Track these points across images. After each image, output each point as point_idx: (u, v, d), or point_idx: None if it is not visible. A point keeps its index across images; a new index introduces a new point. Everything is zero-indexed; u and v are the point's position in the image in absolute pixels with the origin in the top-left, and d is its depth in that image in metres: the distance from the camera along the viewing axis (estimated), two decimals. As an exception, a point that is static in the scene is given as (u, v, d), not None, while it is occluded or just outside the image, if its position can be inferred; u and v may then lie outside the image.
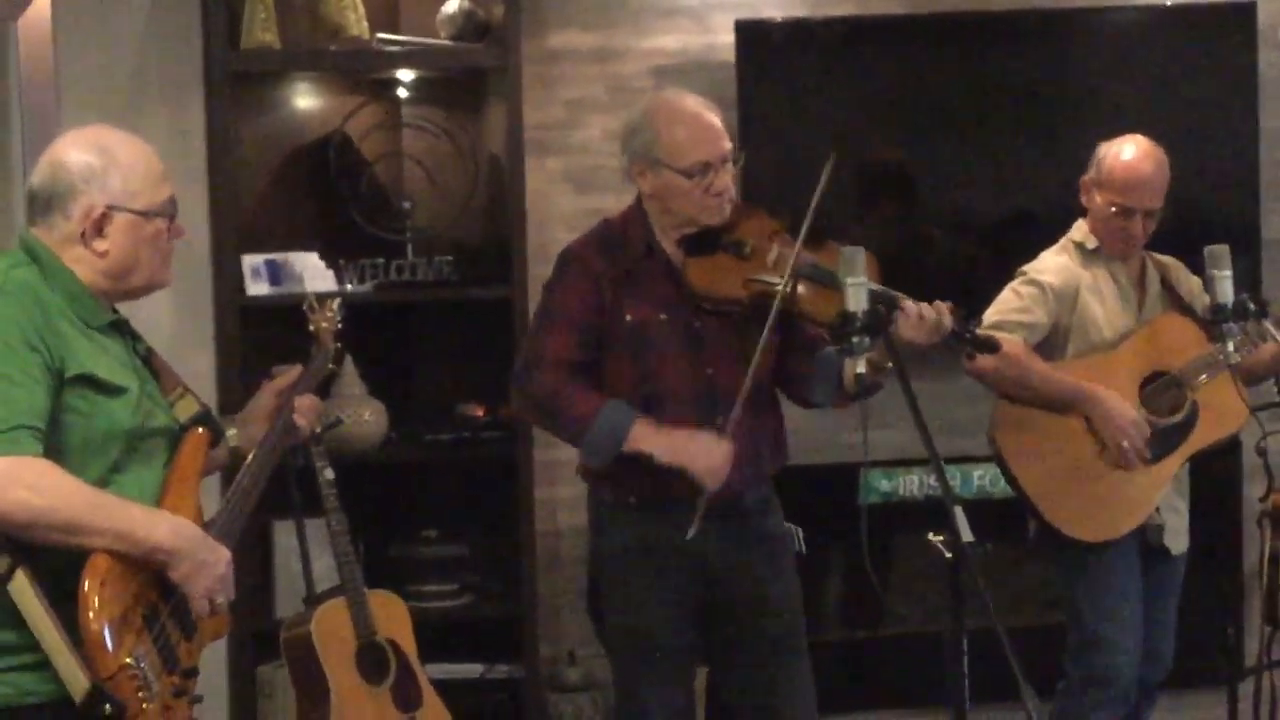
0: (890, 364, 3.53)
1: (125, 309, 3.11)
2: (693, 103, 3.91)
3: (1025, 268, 4.55)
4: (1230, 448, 5.17)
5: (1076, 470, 4.43)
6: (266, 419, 3.37)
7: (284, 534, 5.02)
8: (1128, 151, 4.45)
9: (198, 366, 4.94)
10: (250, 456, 3.27)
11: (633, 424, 3.79)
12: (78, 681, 2.76)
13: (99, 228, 2.97)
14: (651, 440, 3.79)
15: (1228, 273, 4.10)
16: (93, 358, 2.92)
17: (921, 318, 3.66)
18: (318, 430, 4.28)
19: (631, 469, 3.83)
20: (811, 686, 4.02)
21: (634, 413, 3.80)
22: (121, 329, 3.06)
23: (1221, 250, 4.12)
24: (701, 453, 3.76)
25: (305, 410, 3.43)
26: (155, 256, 3.04)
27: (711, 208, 3.86)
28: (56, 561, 2.80)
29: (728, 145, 3.87)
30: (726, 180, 3.86)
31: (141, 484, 2.97)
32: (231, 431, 3.30)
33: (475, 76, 5.38)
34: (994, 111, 5.55)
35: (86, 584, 2.78)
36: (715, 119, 3.89)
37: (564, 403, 3.83)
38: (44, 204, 2.98)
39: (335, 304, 4.05)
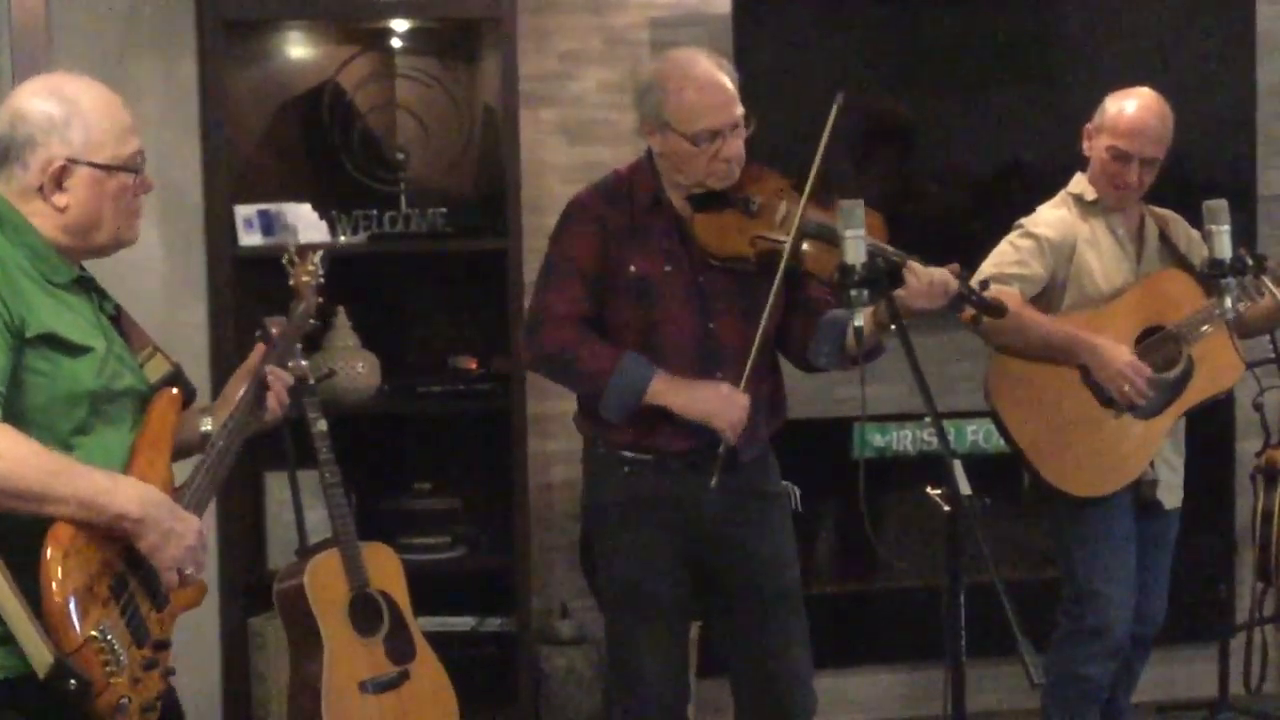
0: (891, 324, 3.51)
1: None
2: (705, 65, 3.82)
3: (1022, 220, 4.55)
4: (1224, 404, 5.16)
5: (1071, 425, 4.43)
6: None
7: (277, 485, 5.02)
8: (1132, 99, 4.47)
9: (190, 317, 4.93)
10: (224, 420, 3.10)
11: (652, 377, 3.77)
12: (41, 656, 2.62)
13: (58, 181, 2.84)
14: (671, 394, 3.77)
15: (1226, 228, 4.10)
16: (55, 316, 2.80)
17: (931, 283, 3.63)
18: (312, 382, 4.27)
19: (628, 422, 3.82)
20: (807, 642, 4.02)
21: (651, 366, 3.78)
22: (87, 286, 2.94)
23: (1220, 205, 4.12)
24: (722, 406, 3.74)
25: (279, 390, 3.20)
26: (120, 212, 2.90)
27: (719, 173, 3.81)
28: (16, 531, 2.68)
29: (739, 111, 3.80)
30: (735, 146, 3.80)
31: (108, 448, 2.85)
32: (208, 419, 3.12)
33: (470, 27, 5.35)
34: (992, 65, 5.52)
35: (48, 554, 2.65)
36: (728, 82, 3.81)
37: (579, 357, 3.81)
38: (1, 154, 2.85)
39: (317, 256, 3.96)
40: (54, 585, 2.65)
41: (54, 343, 2.78)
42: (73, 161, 2.85)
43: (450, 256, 5.25)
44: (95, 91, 2.91)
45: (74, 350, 2.81)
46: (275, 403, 3.17)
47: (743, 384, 3.74)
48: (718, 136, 3.77)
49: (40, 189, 2.85)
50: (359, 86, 5.29)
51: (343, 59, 5.27)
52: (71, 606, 2.65)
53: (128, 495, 2.76)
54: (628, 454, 3.90)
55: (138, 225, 2.97)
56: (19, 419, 2.71)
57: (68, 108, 2.85)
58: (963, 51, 5.51)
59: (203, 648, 4.97)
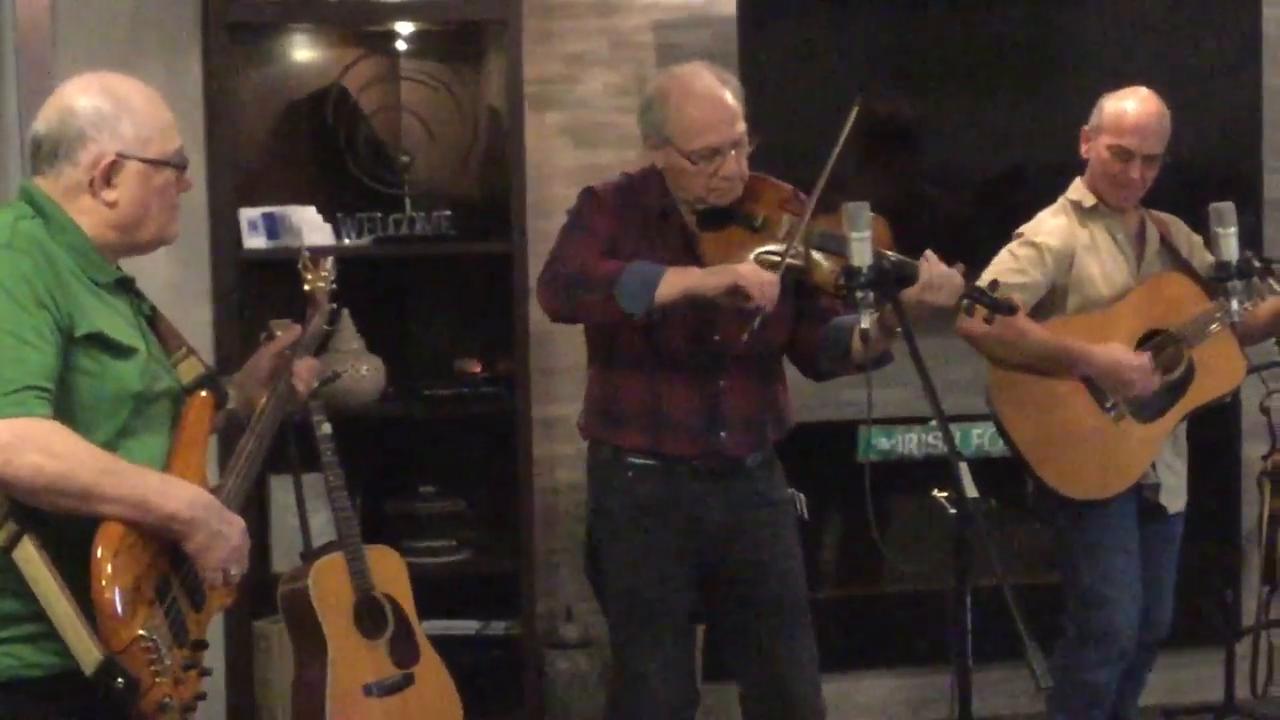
0: (898, 328, 3.50)
1: (123, 261, 2.99)
2: (708, 81, 3.79)
3: (1022, 228, 4.54)
4: (1230, 407, 5.16)
5: (1071, 429, 4.42)
6: (265, 382, 3.28)
7: (281, 489, 5.01)
8: (1129, 97, 4.46)
9: (195, 320, 4.92)
10: (252, 423, 3.16)
11: (665, 269, 3.65)
12: (89, 654, 2.64)
13: (108, 177, 2.84)
14: (688, 274, 3.65)
15: (1233, 230, 4.10)
16: (102, 316, 2.80)
17: (943, 273, 3.60)
18: (315, 385, 4.27)
19: (632, 426, 3.81)
20: (814, 650, 4.00)
21: (663, 266, 3.68)
22: (127, 287, 2.94)
23: (1226, 208, 4.12)
24: (747, 270, 3.63)
25: (303, 374, 3.35)
26: (164, 208, 2.91)
27: (719, 190, 3.79)
28: (64, 529, 2.68)
29: (740, 129, 3.77)
30: (736, 164, 3.77)
31: (149, 449, 2.85)
32: (230, 393, 3.19)
33: (475, 29, 5.34)
34: (996, 69, 5.52)
35: (99, 552, 2.66)
36: (730, 99, 3.78)
37: (589, 269, 3.70)
38: (50, 151, 2.85)
39: (329, 262, 3.97)
40: (104, 583, 2.66)
41: (102, 343, 2.79)
42: (123, 156, 2.85)
43: (455, 259, 5.25)
44: (141, 88, 2.93)
45: (120, 351, 2.81)
46: (302, 385, 3.33)
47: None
48: (717, 154, 3.75)
49: (90, 184, 2.85)
50: (364, 89, 5.29)
51: (347, 62, 5.26)
52: (120, 605, 2.66)
53: (179, 496, 2.79)
54: (633, 459, 3.89)
55: (178, 223, 2.98)
56: (64, 419, 2.70)
57: (117, 103, 2.86)
58: (968, 55, 5.50)
59: (207, 650, 4.95)
